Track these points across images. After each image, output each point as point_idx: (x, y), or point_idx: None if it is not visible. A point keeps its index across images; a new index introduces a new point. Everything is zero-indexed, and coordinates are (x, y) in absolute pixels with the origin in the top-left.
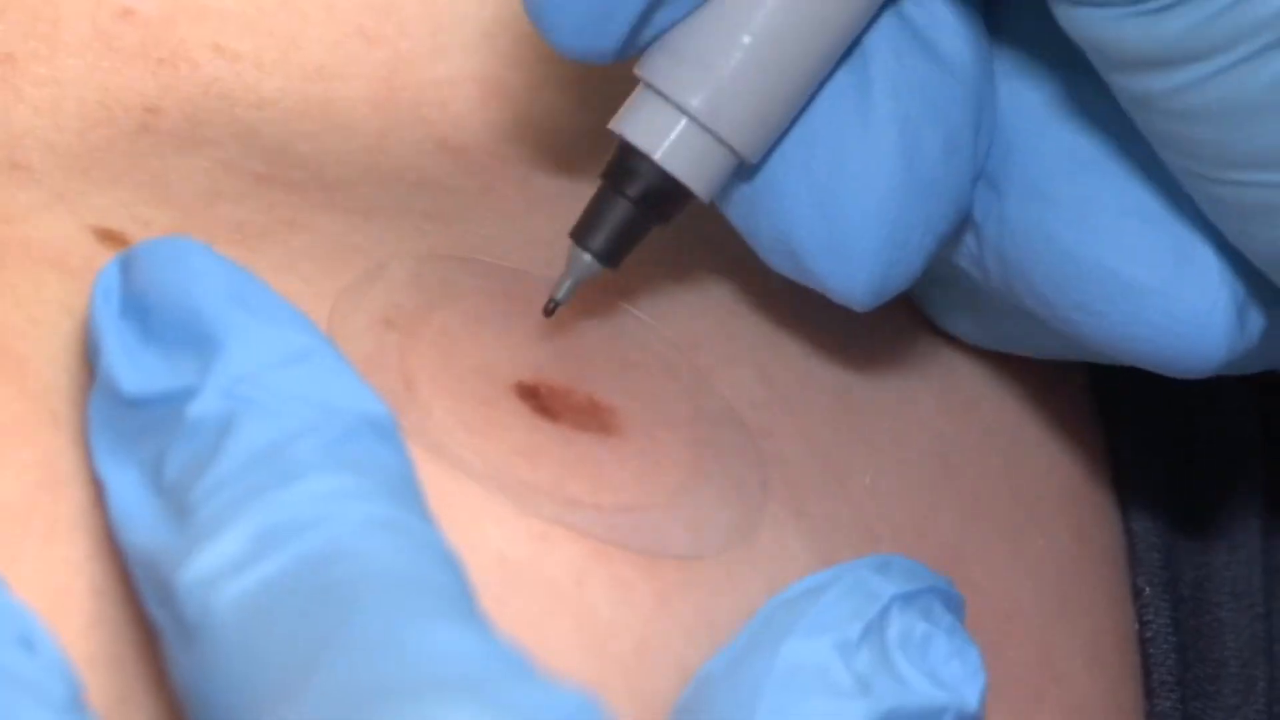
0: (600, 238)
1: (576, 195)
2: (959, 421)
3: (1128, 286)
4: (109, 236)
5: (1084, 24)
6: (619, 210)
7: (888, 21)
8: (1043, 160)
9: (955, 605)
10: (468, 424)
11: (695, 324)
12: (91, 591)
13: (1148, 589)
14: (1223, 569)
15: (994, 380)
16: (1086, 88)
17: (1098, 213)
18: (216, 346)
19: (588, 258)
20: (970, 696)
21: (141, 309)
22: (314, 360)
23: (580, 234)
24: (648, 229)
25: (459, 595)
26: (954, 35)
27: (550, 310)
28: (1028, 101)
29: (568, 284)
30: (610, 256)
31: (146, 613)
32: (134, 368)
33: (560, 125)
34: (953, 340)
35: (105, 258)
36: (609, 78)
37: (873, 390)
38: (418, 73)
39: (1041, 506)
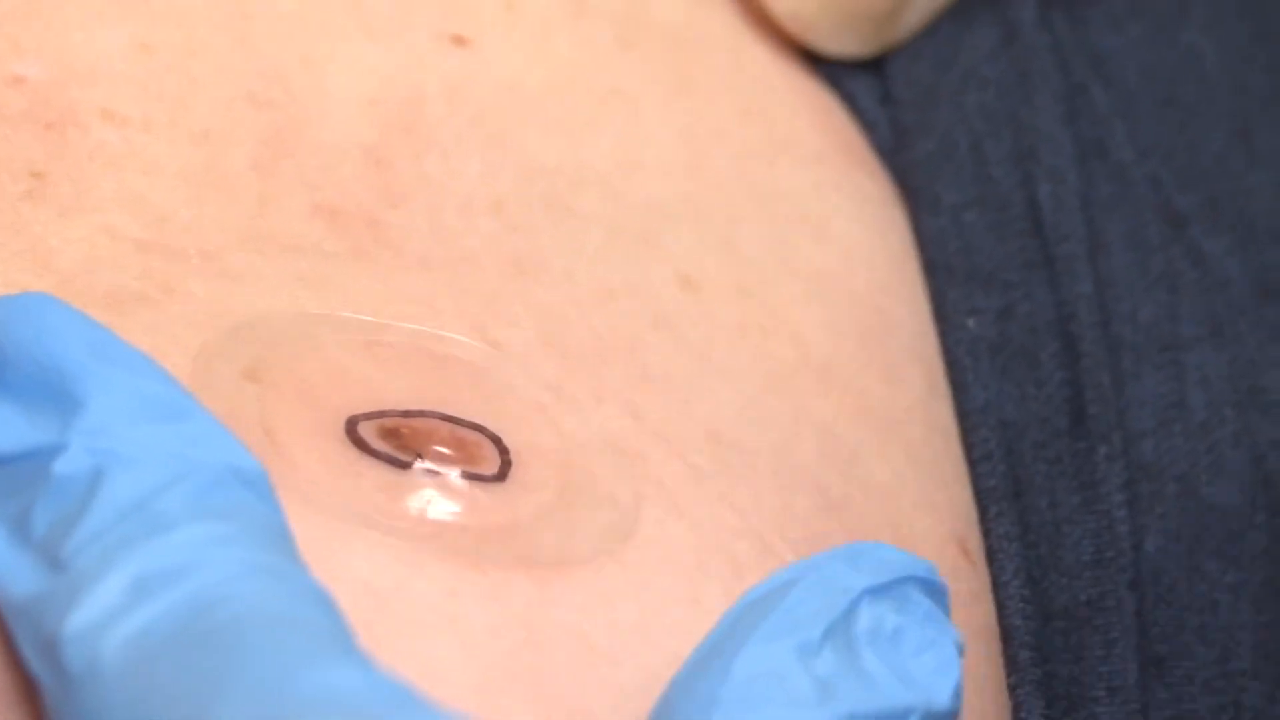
0: None
1: (447, 259)
2: (840, 474)
3: None
4: None
5: None
6: None
7: None
8: None
9: (936, 591)
10: (330, 468)
11: (559, 368)
12: None
13: (1020, 689)
14: (1098, 664)
15: (873, 437)
16: None
17: None
18: (77, 401)
19: None
20: (940, 693)
21: None
22: (177, 413)
23: None
24: None
25: (338, 634)
26: None
27: None
28: None
29: None
30: None
31: (26, 668)
32: None
33: (436, 188)
34: (832, 397)
35: None
36: (493, 145)
37: (750, 436)
38: (302, 137)
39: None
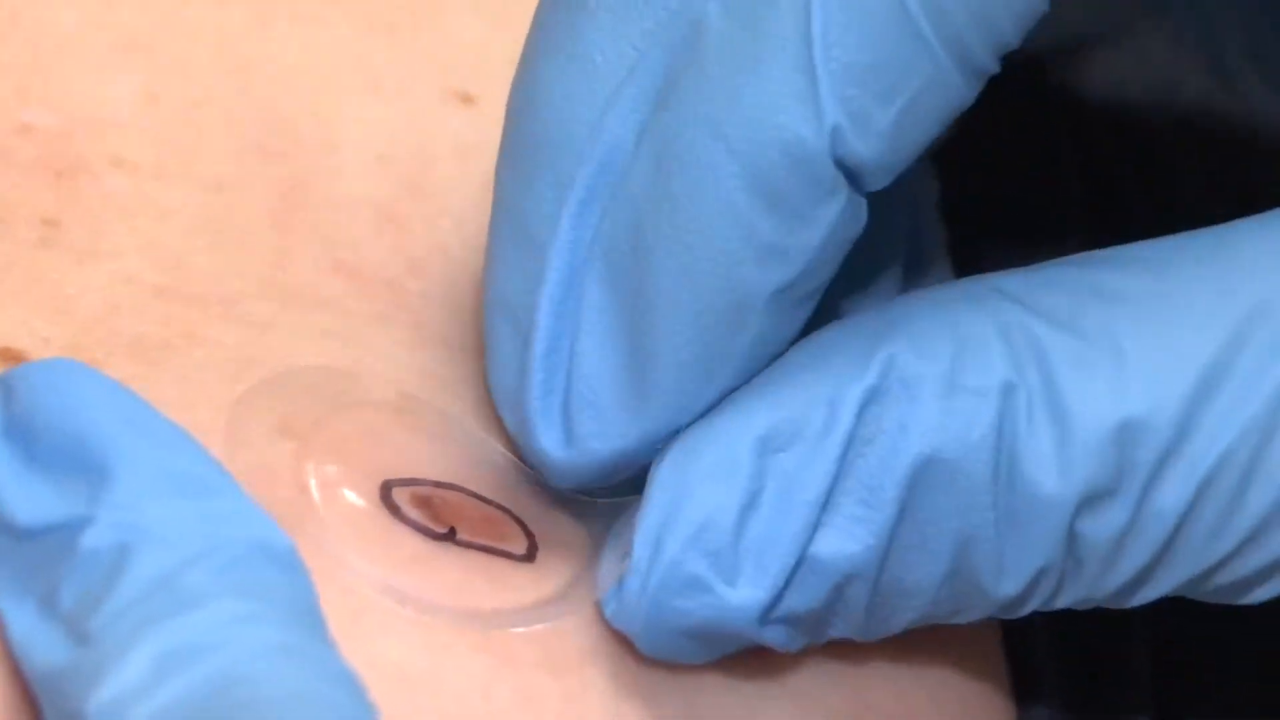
0: None
1: (465, 334)
2: None
3: None
4: (9, 356)
5: None
6: None
7: None
8: None
9: None
10: (364, 533)
11: None
12: (7, 711)
13: None
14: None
15: None
16: None
17: None
18: (106, 474)
19: None
20: None
21: (27, 432)
22: (206, 488)
23: None
24: None
25: (362, 717)
26: None
27: None
28: None
29: None
30: None
31: None
32: (24, 498)
33: (452, 259)
34: None
35: None
36: None
37: None
38: (315, 191)
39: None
